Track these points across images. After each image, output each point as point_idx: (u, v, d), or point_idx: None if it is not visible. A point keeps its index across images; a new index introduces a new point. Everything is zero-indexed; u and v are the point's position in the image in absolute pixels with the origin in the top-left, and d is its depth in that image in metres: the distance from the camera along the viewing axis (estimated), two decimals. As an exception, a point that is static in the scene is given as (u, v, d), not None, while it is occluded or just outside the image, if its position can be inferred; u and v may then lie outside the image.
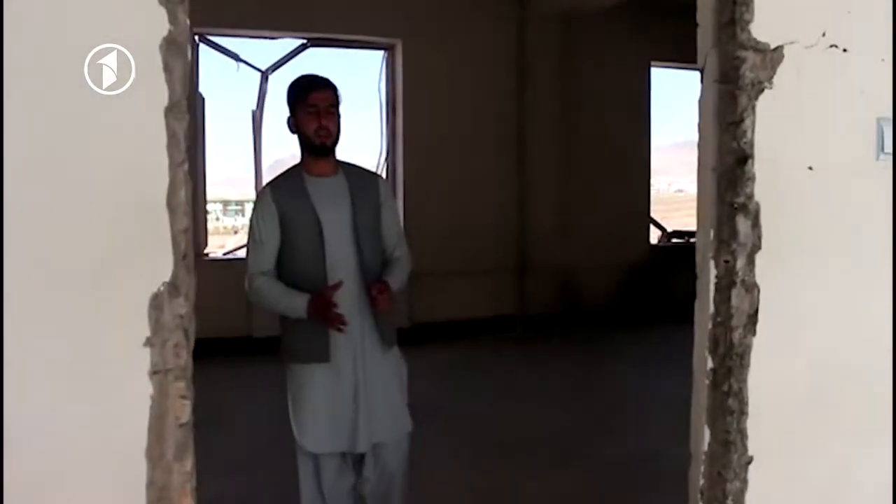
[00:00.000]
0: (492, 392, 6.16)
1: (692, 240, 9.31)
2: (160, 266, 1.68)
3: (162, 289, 1.66)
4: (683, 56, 9.14)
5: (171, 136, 1.72)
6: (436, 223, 7.89)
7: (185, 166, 1.75)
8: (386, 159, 8.24)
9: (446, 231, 7.97)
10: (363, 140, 9.18)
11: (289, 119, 2.90)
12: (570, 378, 6.61)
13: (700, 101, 2.00)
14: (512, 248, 8.48)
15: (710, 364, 2.01)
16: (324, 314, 2.70)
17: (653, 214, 9.74)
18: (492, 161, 8.35)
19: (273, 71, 8.00)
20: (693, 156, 2.07)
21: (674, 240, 9.84)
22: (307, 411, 2.87)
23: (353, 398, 2.85)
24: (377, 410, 2.90)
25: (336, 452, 2.93)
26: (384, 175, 8.10)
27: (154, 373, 1.65)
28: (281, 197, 2.85)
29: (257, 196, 2.96)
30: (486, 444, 4.94)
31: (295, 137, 2.93)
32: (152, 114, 1.68)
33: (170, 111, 1.71)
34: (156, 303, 1.64)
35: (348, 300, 2.79)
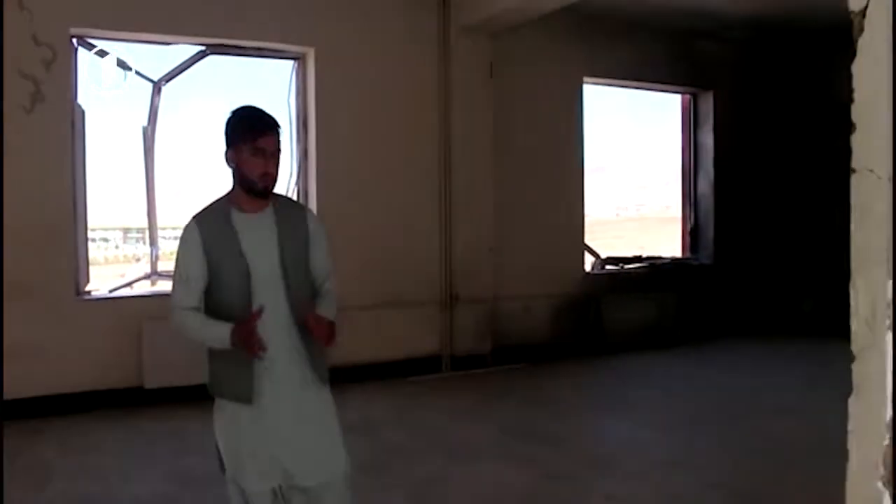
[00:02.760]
0: (428, 449, 5.30)
1: (626, 266, 8.86)
2: None
3: None
4: (617, 72, 8.79)
5: None
6: (351, 252, 7.03)
7: None
8: (296, 182, 7.34)
9: (363, 261, 7.14)
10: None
11: (226, 153, 2.78)
12: (511, 428, 5.81)
13: (857, 66, 1.25)
14: (436, 279, 7.69)
15: None
16: (245, 340, 2.62)
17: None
18: (414, 183, 7.61)
19: (167, 81, 7.04)
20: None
21: (608, 266, 9.23)
22: (233, 447, 2.81)
23: (279, 436, 2.77)
24: (308, 448, 2.82)
25: (266, 490, 2.80)
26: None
27: None
28: (208, 233, 2.77)
29: (183, 230, 2.82)
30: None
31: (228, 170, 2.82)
32: None
33: None
34: None
35: (277, 337, 2.74)
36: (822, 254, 9.85)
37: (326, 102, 7.21)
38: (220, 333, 2.70)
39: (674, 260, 9.81)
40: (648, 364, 8.07)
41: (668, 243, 12.23)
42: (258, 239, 2.79)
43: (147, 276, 7.22)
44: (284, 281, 2.80)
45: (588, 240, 9.05)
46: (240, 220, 2.79)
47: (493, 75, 7.87)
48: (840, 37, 7.81)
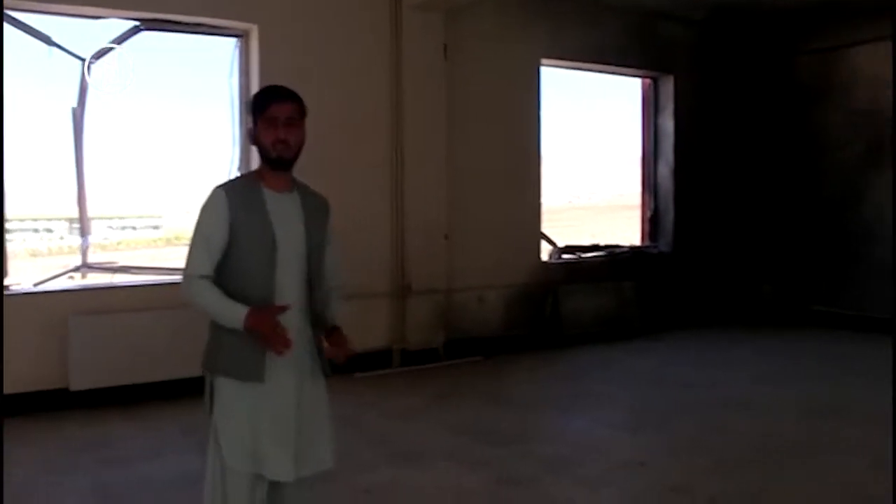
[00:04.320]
0: (378, 453, 4.94)
1: (584, 255, 8.58)
2: None
3: None
4: (576, 54, 8.52)
5: None
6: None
7: None
8: (239, 168, 6.91)
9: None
10: (212, 144, 7.82)
11: (250, 129, 2.83)
12: (465, 428, 5.49)
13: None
14: (388, 269, 7.32)
15: None
16: (266, 332, 2.57)
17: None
18: (365, 168, 7.23)
19: (97, 59, 6.53)
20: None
21: (565, 255, 8.94)
22: (241, 428, 2.72)
23: (293, 421, 2.75)
24: (315, 438, 2.82)
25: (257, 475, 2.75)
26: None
27: None
28: (236, 204, 2.73)
29: (210, 196, 2.76)
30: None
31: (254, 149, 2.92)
32: None
33: None
34: None
35: (294, 321, 2.72)
36: (781, 239, 9.71)
37: (271, 83, 6.72)
38: (235, 314, 2.62)
39: (633, 248, 9.56)
40: (607, 357, 7.81)
41: (620, 231, 12.01)
42: (286, 215, 2.78)
43: (77, 269, 6.73)
44: (307, 263, 2.80)
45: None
46: (269, 195, 2.79)
47: (447, 56, 7.51)
48: (801, 19, 7.60)
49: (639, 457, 4.86)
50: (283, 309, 2.63)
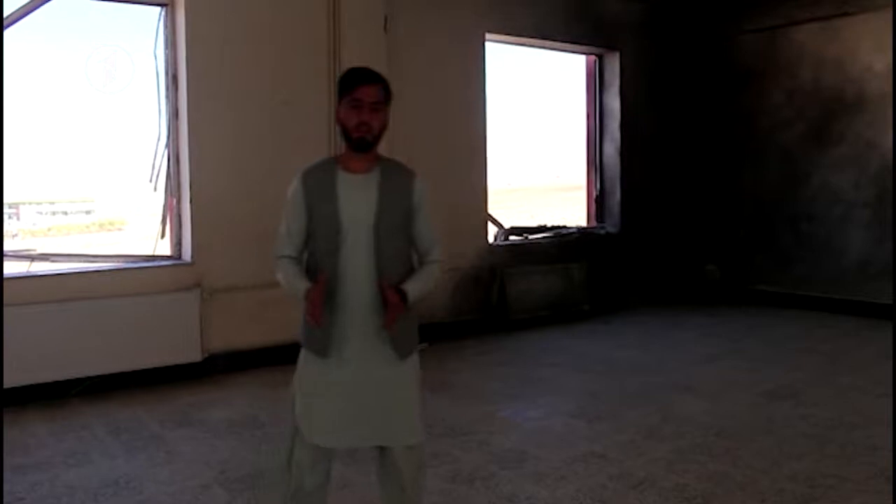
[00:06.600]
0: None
1: (531, 236, 8.35)
2: None
3: None
4: (522, 29, 8.21)
5: None
6: (229, 228, 6.35)
7: None
8: (166, 145, 6.47)
9: (244, 238, 6.37)
10: (137, 121, 7.33)
11: (337, 110, 2.90)
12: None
13: None
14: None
15: None
16: (309, 304, 2.73)
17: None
18: (301, 148, 6.79)
19: (8, 26, 6.02)
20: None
21: (512, 237, 8.70)
22: (304, 395, 2.93)
23: (350, 398, 2.86)
24: (382, 415, 2.88)
25: (327, 447, 2.94)
26: (164, 167, 6.46)
27: None
28: (310, 186, 2.90)
29: (291, 185, 2.96)
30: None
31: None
32: None
33: None
34: None
35: (361, 300, 2.82)
36: (726, 219, 9.64)
37: (199, 56, 6.35)
38: (298, 289, 2.81)
39: (580, 229, 9.37)
40: (556, 341, 7.61)
41: (559, 212, 11.85)
42: (357, 198, 2.85)
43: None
44: (375, 244, 2.83)
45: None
46: (343, 177, 2.88)
47: (387, 28, 7.16)
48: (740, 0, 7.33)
49: (597, 448, 4.64)
50: (325, 283, 2.74)
